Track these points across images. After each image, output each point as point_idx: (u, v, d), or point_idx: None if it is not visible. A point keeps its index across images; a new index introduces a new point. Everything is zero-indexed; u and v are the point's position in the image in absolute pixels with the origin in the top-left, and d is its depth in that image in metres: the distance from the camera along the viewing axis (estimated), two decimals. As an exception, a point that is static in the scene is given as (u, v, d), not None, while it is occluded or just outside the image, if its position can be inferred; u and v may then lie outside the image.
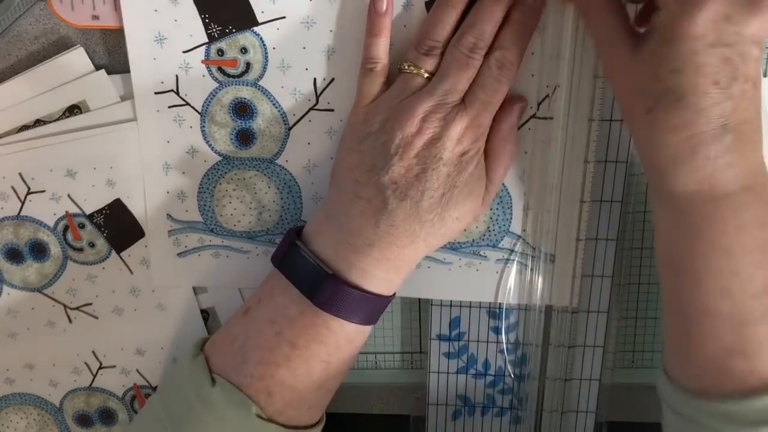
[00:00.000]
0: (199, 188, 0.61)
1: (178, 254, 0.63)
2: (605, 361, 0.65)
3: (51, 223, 0.63)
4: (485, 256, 0.62)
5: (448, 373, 0.67)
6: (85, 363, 0.68)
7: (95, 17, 0.56)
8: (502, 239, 0.61)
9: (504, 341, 0.65)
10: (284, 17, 0.55)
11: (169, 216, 0.62)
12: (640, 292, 0.65)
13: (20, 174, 0.61)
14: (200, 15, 0.55)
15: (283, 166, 0.60)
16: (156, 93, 0.58)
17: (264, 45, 0.56)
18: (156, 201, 0.61)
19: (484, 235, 0.61)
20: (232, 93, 0.57)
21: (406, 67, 0.53)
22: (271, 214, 0.61)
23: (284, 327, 0.54)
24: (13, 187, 0.61)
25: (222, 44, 0.56)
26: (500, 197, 0.59)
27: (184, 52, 0.56)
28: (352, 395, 0.72)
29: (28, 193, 0.62)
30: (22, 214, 0.62)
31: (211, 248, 0.63)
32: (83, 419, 0.71)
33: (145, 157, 0.60)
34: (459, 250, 0.62)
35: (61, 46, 0.59)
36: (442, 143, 0.51)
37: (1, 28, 0.58)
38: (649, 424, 0.68)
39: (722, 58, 0.43)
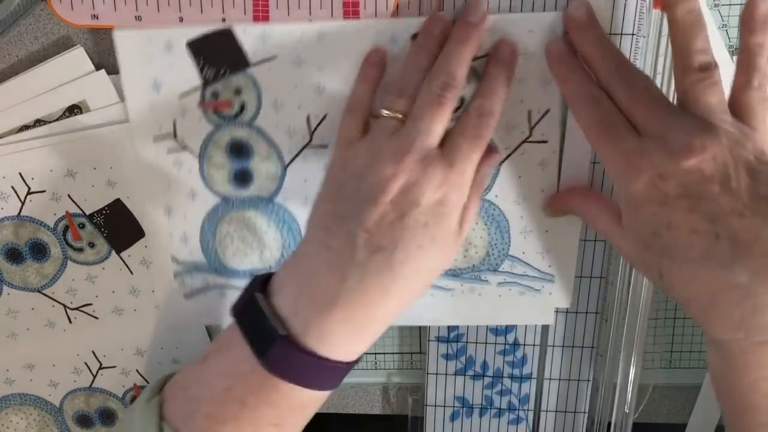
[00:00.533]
0: (201, 230, 0.61)
1: (185, 295, 0.64)
2: (599, 362, 0.66)
3: (51, 223, 0.63)
4: (486, 281, 0.62)
5: (446, 374, 0.67)
6: (85, 363, 0.69)
7: (95, 17, 0.56)
8: (502, 263, 0.61)
9: (502, 343, 0.66)
10: (275, 57, 0.55)
11: (174, 258, 0.62)
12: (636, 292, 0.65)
13: (20, 174, 0.61)
14: (194, 59, 0.56)
15: (281, 205, 0.60)
16: (155, 140, 0.59)
17: (257, 85, 0.56)
18: (160, 244, 0.62)
19: (484, 259, 0.61)
20: (228, 134, 0.58)
21: (380, 111, 0.52)
22: (272, 252, 0.61)
23: (236, 382, 0.50)
24: (13, 187, 0.61)
25: (217, 86, 0.57)
26: (497, 222, 0.60)
27: (180, 96, 0.57)
28: (351, 395, 0.72)
29: (28, 193, 0.62)
30: (22, 214, 0.63)
31: (217, 288, 0.63)
32: (83, 419, 0.72)
33: (146, 202, 0.61)
34: (460, 276, 0.62)
35: (61, 46, 0.59)
36: (419, 188, 0.48)
37: (1, 28, 0.58)
38: (651, 424, 0.69)
39: (685, 208, 0.45)
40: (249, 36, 0.55)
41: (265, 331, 0.49)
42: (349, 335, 0.49)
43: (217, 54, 0.56)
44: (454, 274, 0.62)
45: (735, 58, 0.56)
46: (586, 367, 0.66)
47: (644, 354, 0.66)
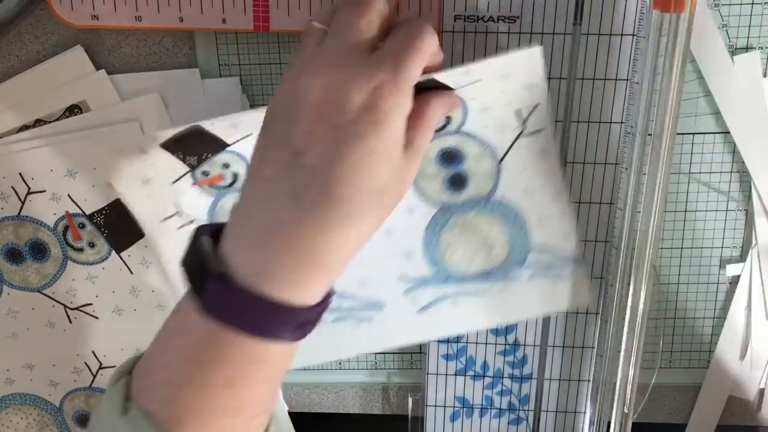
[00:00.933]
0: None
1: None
2: (600, 362, 0.66)
3: (51, 223, 0.63)
4: (516, 277, 0.62)
5: (446, 374, 0.68)
6: (85, 363, 0.69)
7: (95, 17, 0.56)
8: (527, 256, 0.61)
9: (503, 343, 0.66)
10: (250, 134, 0.54)
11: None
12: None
13: (20, 174, 0.61)
14: (173, 155, 0.56)
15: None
16: (162, 221, 0.59)
17: (243, 157, 0.57)
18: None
19: (509, 256, 0.61)
20: (231, 199, 0.59)
21: (311, 25, 0.46)
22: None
23: (185, 340, 0.44)
24: (13, 187, 0.62)
25: (203, 167, 0.57)
26: (512, 218, 0.60)
27: (172, 183, 0.58)
28: (351, 395, 0.72)
29: (29, 193, 0.62)
30: (22, 214, 0.63)
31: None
32: (83, 419, 0.72)
33: (171, 279, 0.62)
34: (490, 278, 0.62)
35: (61, 45, 0.59)
36: (341, 90, 0.42)
37: (1, 28, 0.58)
38: (651, 424, 0.70)
39: None
40: (219, 127, 0.54)
41: (202, 271, 0.43)
42: (293, 271, 0.43)
43: (194, 146, 0.55)
44: (483, 276, 0.62)
45: (735, 57, 0.57)
46: (587, 367, 0.66)
47: (644, 354, 0.66)
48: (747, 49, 0.57)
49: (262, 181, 0.43)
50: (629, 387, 0.64)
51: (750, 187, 0.62)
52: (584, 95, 0.58)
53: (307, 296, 0.43)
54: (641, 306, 0.61)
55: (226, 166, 0.57)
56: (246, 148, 0.56)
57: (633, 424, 0.66)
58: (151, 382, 0.46)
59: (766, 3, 0.56)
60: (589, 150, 0.60)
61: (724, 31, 0.57)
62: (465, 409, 0.69)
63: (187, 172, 0.57)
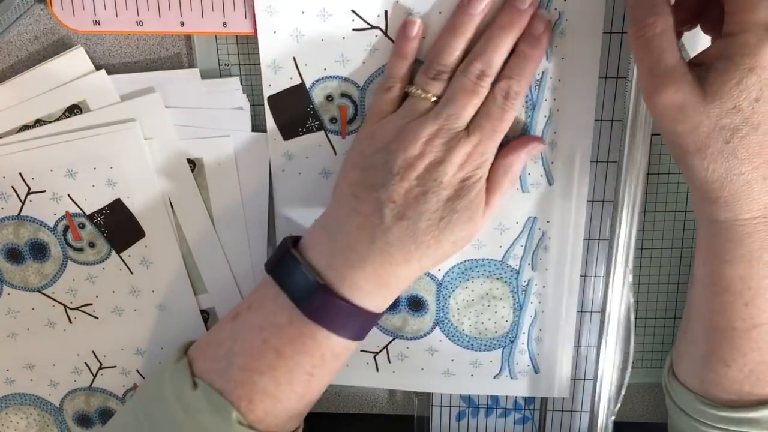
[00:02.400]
0: None
1: None
2: (605, 361, 0.67)
3: (51, 223, 0.65)
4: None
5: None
6: (85, 363, 0.71)
7: (96, 22, 0.58)
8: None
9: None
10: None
11: None
12: (639, 292, 0.67)
13: (20, 174, 0.63)
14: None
15: None
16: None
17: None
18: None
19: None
20: None
21: (414, 91, 0.56)
22: None
23: (272, 335, 0.56)
24: (13, 187, 0.64)
25: None
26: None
27: None
28: (357, 395, 0.74)
29: (29, 193, 0.64)
30: (22, 214, 0.65)
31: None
32: (83, 419, 0.74)
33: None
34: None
35: (61, 46, 0.61)
36: (443, 168, 0.54)
37: (1, 28, 0.60)
38: (653, 424, 0.71)
39: None
40: None
41: (304, 281, 0.55)
42: (377, 289, 0.56)
43: None
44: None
45: None
46: (592, 367, 0.68)
47: (645, 354, 0.68)
48: None
49: (357, 215, 0.55)
50: (624, 385, 0.66)
51: None
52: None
53: (382, 308, 0.58)
54: (646, 305, 0.63)
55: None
56: None
57: (638, 424, 0.68)
58: (225, 364, 0.57)
59: None
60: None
61: None
62: (471, 408, 0.71)
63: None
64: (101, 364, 0.71)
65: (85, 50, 0.61)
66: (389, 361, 0.69)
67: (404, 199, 0.54)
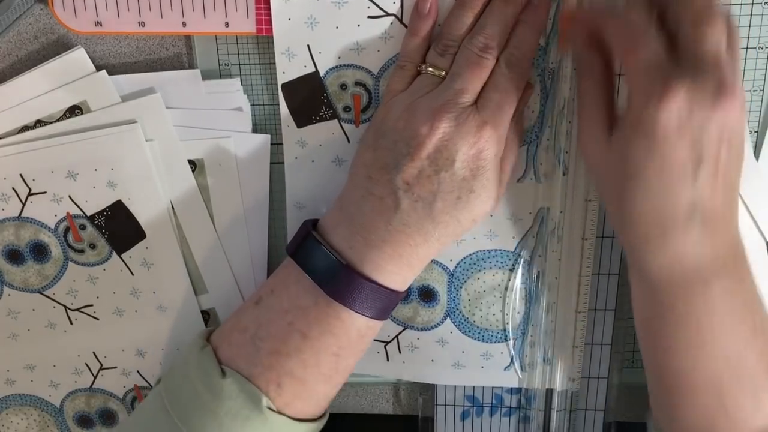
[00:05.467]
0: None
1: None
2: (614, 360, 0.69)
3: (52, 225, 0.66)
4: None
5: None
6: (86, 364, 0.72)
7: (98, 24, 0.59)
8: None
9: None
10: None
11: None
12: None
13: (21, 175, 0.64)
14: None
15: None
16: None
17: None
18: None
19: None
20: None
21: (424, 68, 0.56)
22: None
23: (297, 317, 0.57)
24: (14, 189, 0.64)
25: None
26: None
27: None
28: (361, 395, 0.75)
29: (29, 194, 0.65)
30: (23, 215, 0.66)
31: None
32: (84, 420, 0.75)
33: None
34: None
35: (61, 46, 0.62)
36: (453, 145, 0.53)
37: (1, 28, 0.61)
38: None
39: (688, 146, 0.47)
40: None
41: (327, 262, 0.56)
42: (398, 267, 0.56)
43: None
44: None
45: None
46: (597, 365, 0.69)
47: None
48: (747, 48, 0.59)
49: (373, 197, 0.55)
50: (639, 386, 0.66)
51: None
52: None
53: (403, 285, 0.58)
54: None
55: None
56: None
57: (641, 424, 0.69)
58: (252, 350, 0.58)
59: (766, 3, 0.58)
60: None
61: None
62: (475, 408, 0.72)
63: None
64: (102, 365, 0.72)
65: (86, 50, 0.61)
66: (399, 352, 0.70)
67: (417, 179, 0.54)
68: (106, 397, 0.74)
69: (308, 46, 0.60)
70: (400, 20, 0.59)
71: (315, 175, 0.65)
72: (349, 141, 0.63)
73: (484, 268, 0.66)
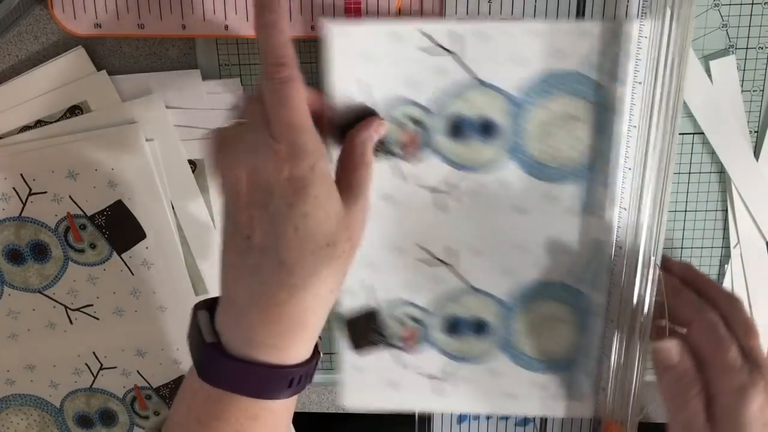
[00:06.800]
0: None
1: None
2: (607, 362, 0.68)
3: (52, 224, 0.66)
4: None
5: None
6: (86, 364, 0.72)
7: (97, 26, 0.59)
8: None
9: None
10: None
11: None
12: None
13: (22, 175, 0.65)
14: None
15: None
16: None
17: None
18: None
19: None
20: None
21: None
22: None
23: (191, 401, 0.52)
24: (14, 188, 0.65)
25: None
26: None
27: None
28: None
29: (30, 194, 0.65)
30: (23, 215, 0.66)
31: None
32: (84, 420, 0.76)
33: None
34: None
35: (61, 46, 0.62)
36: (259, 175, 0.48)
37: (1, 28, 0.61)
38: (654, 425, 0.71)
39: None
40: None
41: (197, 341, 0.51)
42: (274, 337, 0.50)
43: None
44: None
45: (711, 63, 0.60)
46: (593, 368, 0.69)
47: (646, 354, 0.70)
48: (747, 49, 0.60)
49: (230, 267, 0.50)
50: (634, 387, 0.67)
51: (731, 187, 0.64)
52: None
53: (293, 356, 0.51)
54: (647, 303, 0.65)
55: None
56: None
57: (640, 424, 0.69)
58: None
59: (766, 3, 0.58)
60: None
61: (724, 31, 0.60)
62: None
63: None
64: (102, 364, 0.73)
65: (86, 50, 0.62)
66: (453, 386, 0.69)
67: (252, 228, 0.49)
68: (106, 397, 0.74)
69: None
70: (457, 56, 0.58)
71: None
72: (404, 179, 0.62)
73: (537, 298, 0.65)
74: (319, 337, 0.54)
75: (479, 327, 0.66)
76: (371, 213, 0.58)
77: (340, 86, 0.58)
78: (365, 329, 0.64)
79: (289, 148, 0.48)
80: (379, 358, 0.65)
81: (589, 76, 0.58)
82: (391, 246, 0.62)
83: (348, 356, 0.65)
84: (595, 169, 0.60)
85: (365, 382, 0.66)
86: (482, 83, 0.58)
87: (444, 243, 0.62)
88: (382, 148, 0.60)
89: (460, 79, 0.58)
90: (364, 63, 0.57)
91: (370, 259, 0.62)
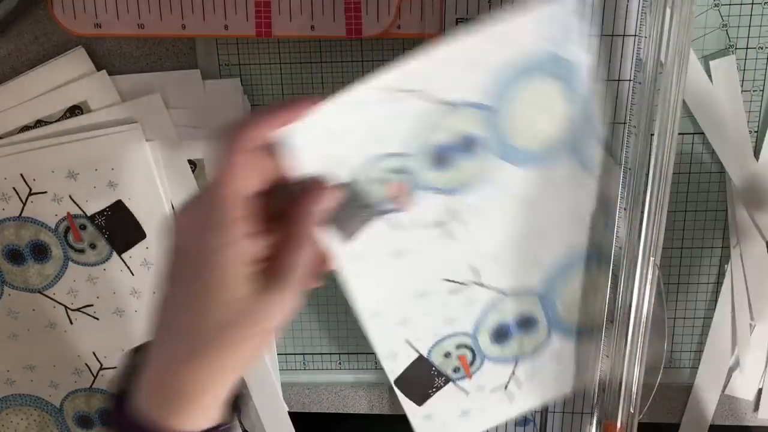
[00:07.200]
0: None
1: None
2: (606, 362, 0.68)
3: (52, 225, 0.67)
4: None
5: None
6: (86, 364, 0.72)
7: (97, 26, 0.60)
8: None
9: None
10: None
11: None
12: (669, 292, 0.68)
13: (22, 175, 0.65)
14: None
15: None
16: None
17: None
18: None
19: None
20: None
21: None
22: None
23: None
24: (14, 188, 0.65)
25: None
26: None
27: None
28: (357, 395, 0.75)
29: (30, 194, 0.65)
30: (23, 215, 0.66)
31: None
32: (84, 420, 0.76)
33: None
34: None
35: (61, 46, 0.63)
36: (189, 232, 0.47)
37: (1, 28, 0.62)
38: (654, 424, 0.72)
39: None
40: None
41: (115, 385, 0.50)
42: (171, 404, 0.47)
43: None
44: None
45: (711, 63, 0.60)
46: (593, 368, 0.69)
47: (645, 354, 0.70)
48: (747, 49, 0.60)
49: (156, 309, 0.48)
50: (635, 387, 0.67)
51: (731, 187, 0.65)
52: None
53: (194, 423, 0.48)
54: (646, 305, 0.65)
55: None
56: None
57: (640, 424, 0.70)
58: None
59: (766, 3, 0.59)
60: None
61: (724, 31, 0.60)
62: None
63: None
64: (102, 365, 0.73)
65: (86, 50, 0.62)
66: (519, 387, 0.69)
67: (172, 280, 0.48)
68: (106, 398, 0.74)
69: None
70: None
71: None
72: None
73: (570, 275, 0.65)
74: (238, 407, 0.52)
75: (526, 323, 0.66)
76: (390, 272, 0.59)
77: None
78: (417, 382, 0.66)
79: (211, 216, 0.46)
80: (439, 398, 0.66)
81: (549, 52, 0.56)
82: (417, 295, 0.61)
83: (411, 411, 0.66)
84: (578, 133, 0.59)
85: (438, 425, 0.67)
86: (453, 105, 0.55)
87: (465, 266, 0.62)
88: (371, 211, 0.58)
89: (430, 111, 0.55)
90: (329, 144, 0.53)
91: (403, 317, 0.62)
